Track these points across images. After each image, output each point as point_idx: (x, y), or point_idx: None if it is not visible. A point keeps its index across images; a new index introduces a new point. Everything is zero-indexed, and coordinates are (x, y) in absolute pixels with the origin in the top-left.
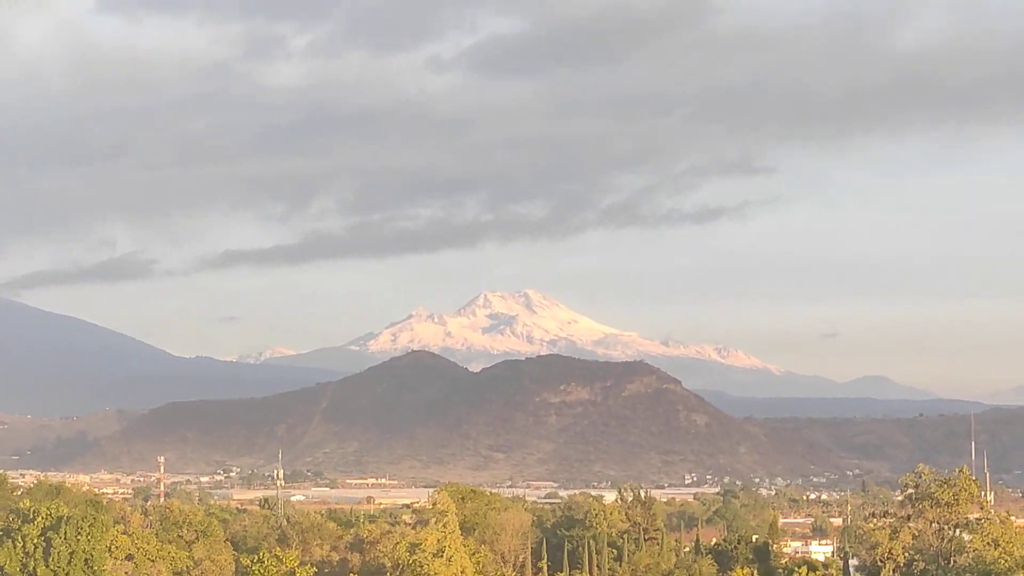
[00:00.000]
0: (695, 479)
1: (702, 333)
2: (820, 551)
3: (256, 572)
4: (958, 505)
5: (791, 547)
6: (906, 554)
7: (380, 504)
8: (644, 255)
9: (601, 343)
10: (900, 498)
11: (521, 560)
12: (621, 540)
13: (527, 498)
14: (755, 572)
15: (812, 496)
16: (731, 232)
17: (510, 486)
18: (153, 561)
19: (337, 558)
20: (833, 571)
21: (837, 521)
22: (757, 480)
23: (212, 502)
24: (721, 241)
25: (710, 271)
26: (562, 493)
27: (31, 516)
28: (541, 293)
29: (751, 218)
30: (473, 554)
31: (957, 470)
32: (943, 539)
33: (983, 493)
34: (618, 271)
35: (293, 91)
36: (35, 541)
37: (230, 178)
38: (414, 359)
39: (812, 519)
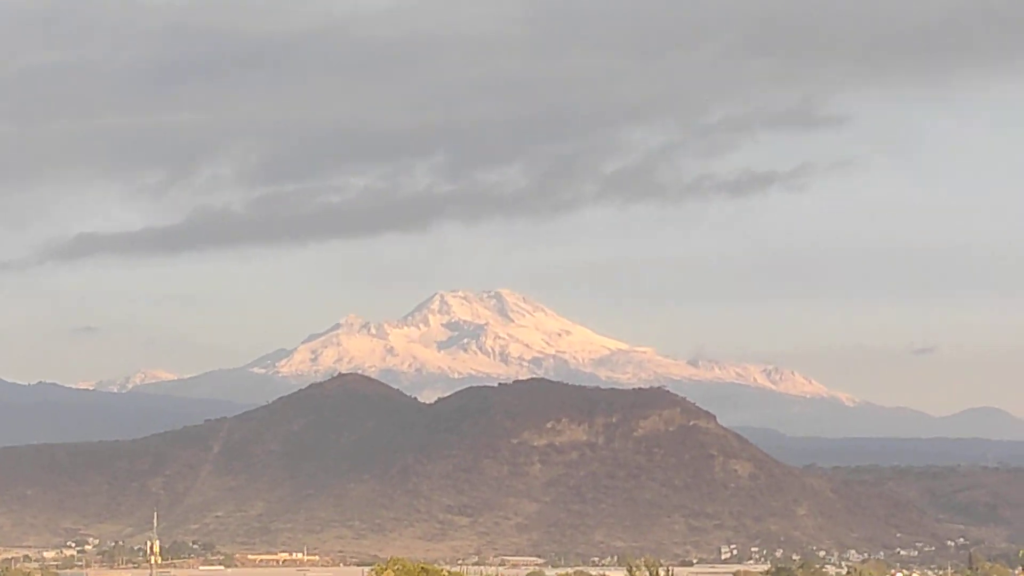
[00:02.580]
0: (735, 552)
1: (745, 349)
2: None
3: None
4: None
5: None
6: None
7: None
8: (663, 240)
9: (604, 363)
10: None
11: None
12: None
13: None
14: None
15: None
16: (784, 207)
17: (477, 563)
18: None
19: None
20: None
21: None
22: (822, 554)
23: None
24: (770, 220)
25: (755, 262)
26: (550, 573)
27: None
28: (520, 294)
29: (811, 188)
30: None
31: None
32: None
33: None
34: (627, 263)
35: (174, 13)
36: None
37: (85, 136)
38: (343, 386)
39: None
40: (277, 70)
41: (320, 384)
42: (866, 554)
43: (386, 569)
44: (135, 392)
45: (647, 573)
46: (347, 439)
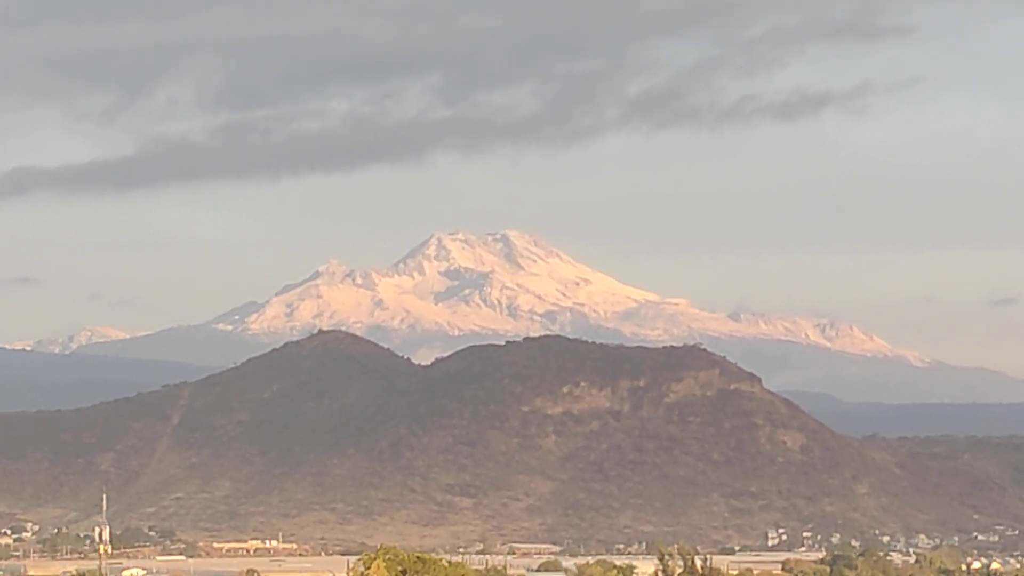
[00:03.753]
0: (784, 538)
1: (795, 300)
2: None
3: None
4: None
5: None
6: None
7: None
8: (698, 174)
9: (629, 316)
10: None
11: None
12: None
13: (511, 571)
14: None
15: (977, 564)
16: (841, 134)
17: (482, 551)
18: None
19: None
20: None
21: None
22: (886, 539)
23: None
24: (825, 148)
25: (807, 199)
26: (567, 562)
27: None
28: (530, 236)
29: (873, 110)
30: None
31: None
32: None
33: None
34: (656, 200)
35: None
36: None
37: (15, 53)
38: (323, 344)
39: None
40: None
41: (296, 343)
42: (938, 539)
43: (375, 559)
44: (80, 353)
45: (681, 562)
46: (328, 407)
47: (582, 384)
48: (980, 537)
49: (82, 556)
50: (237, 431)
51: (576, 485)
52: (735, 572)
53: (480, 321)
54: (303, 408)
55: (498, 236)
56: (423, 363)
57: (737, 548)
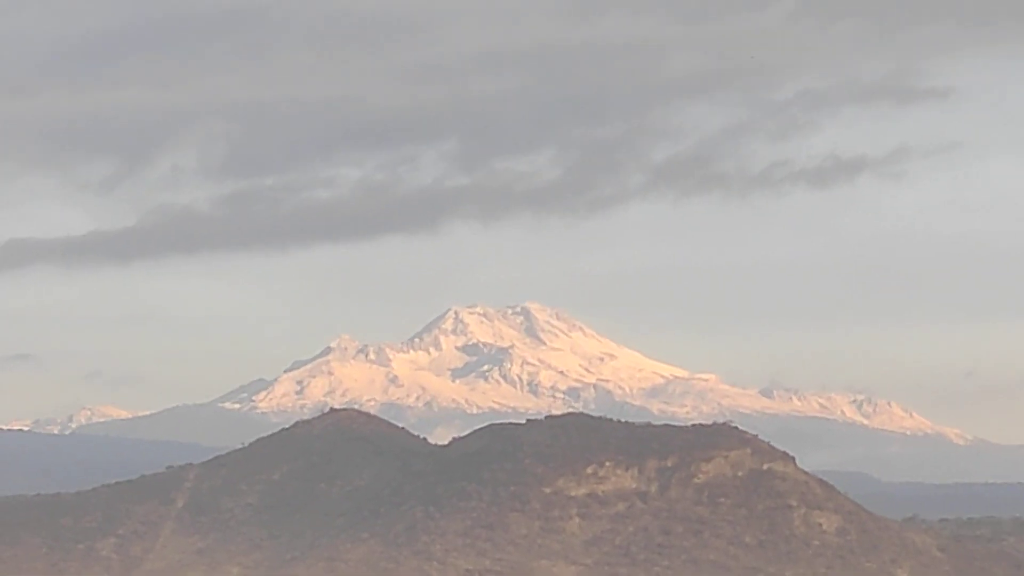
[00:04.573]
0: None
1: (830, 375)
2: None
3: None
4: None
5: None
6: None
7: None
8: (727, 242)
9: (656, 393)
10: None
11: None
12: None
13: None
14: None
15: None
16: (878, 200)
17: None
18: None
19: None
20: None
21: None
22: None
23: None
24: (860, 215)
25: (841, 268)
26: None
27: None
28: (552, 309)
29: (910, 176)
30: None
31: None
32: None
33: None
34: (683, 271)
35: None
36: None
37: (13, 120)
38: (335, 423)
39: None
40: (249, 38)
41: (307, 422)
42: None
43: None
44: (80, 433)
45: None
46: (341, 489)
47: (607, 464)
48: None
49: None
50: (245, 514)
51: (601, 570)
52: None
53: (499, 398)
54: (315, 490)
55: (518, 309)
56: (440, 443)
57: None
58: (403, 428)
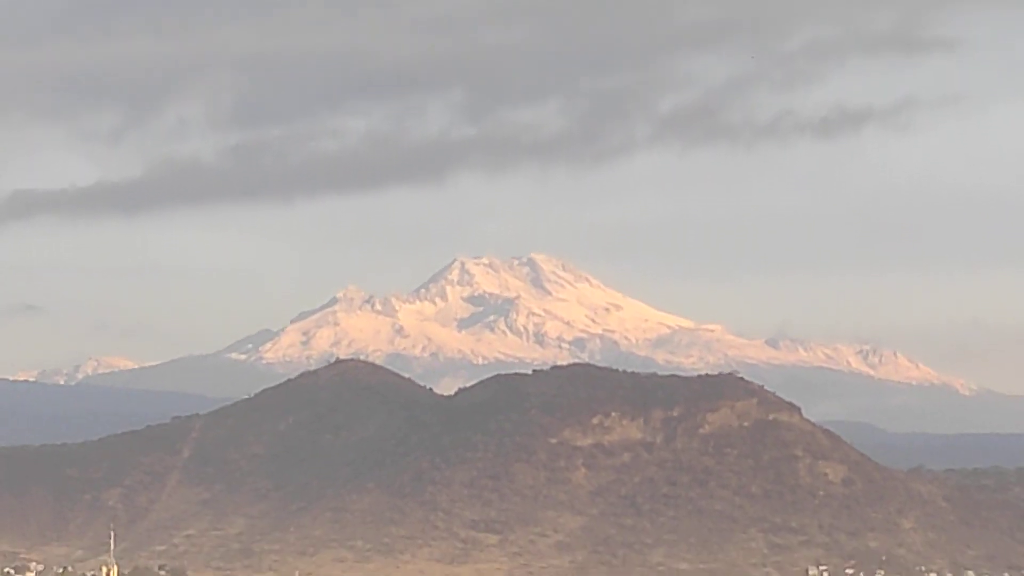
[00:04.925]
0: (826, 574)
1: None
2: None
3: None
4: None
5: None
6: None
7: None
8: (733, 193)
9: (662, 343)
10: None
11: None
12: None
13: None
14: None
15: None
16: (883, 151)
17: None
18: None
19: None
20: None
21: None
22: (933, 575)
23: None
24: (866, 166)
25: (846, 218)
26: None
27: None
28: (558, 260)
29: (916, 127)
30: None
31: None
32: None
33: None
34: (689, 222)
35: None
36: None
37: (20, 71)
38: (341, 374)
39: None
40: None
41: (313, 373)
42: (987, 575)
43: None
44: (86, 384)
45: None
46: (347, 440)
47: (613, 415)
48: None
49: None
50: (251, 465)
51: (607, 520)
52: None
53: (505, 349)
54: (320, 441)
55: (524, 260)
56: (446, 393)
57: None
58: (409, 379)
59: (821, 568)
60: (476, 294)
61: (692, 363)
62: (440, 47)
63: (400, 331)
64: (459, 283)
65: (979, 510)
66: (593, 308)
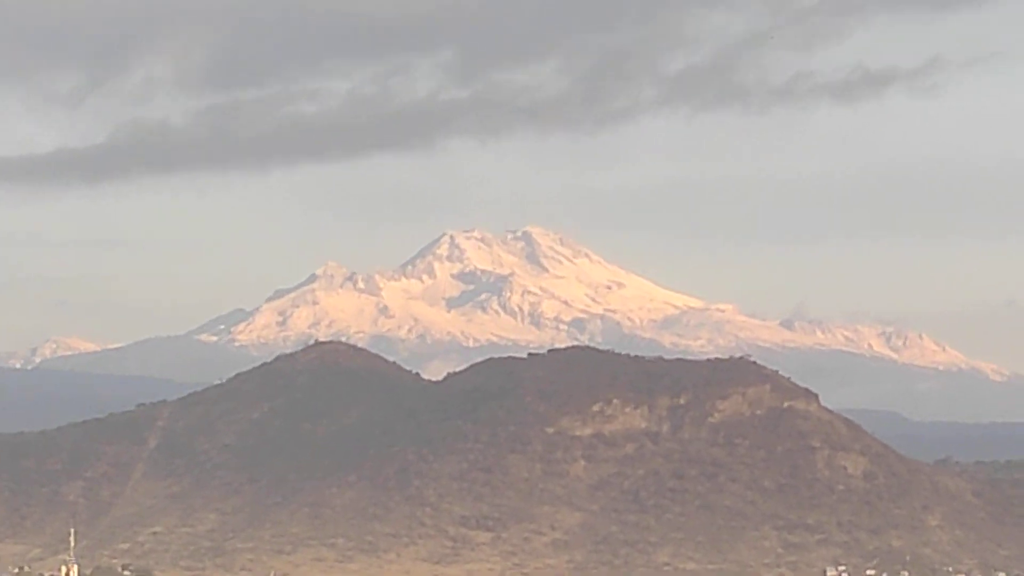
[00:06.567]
0: (846, 574)
1: (856, 305)
2: None
3: None
4: None
5: None
6: None
7: None
8: (745, 161)
9: (669, 325)
10: None
11: None
12: None
13: None
14: None
15: None
16: (909, 116)
17: None
18: None
19: None
20: None
21: None
22: (961, 575)
23: None
24: (890, 133)
25: (868, 188)
26: None
27: None
28: (555, 233)
29: (943, 90)
30: None
31: None
32: None
33: None
34: (698, 192)
35: None
36: None
37: None
38: (321, 357)
39: None
40: None
41: (290, 356)
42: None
43: None
44: (44, 368)
45: None
46: (327, 429)
47: (615, 402)
48: None
49: None
50: (223, 456)
51: (608, 517)
52: None
53: (498, 330)
54: (298, 430)
55: (519, 234)
56: (434, 378)
57: None
58: (394, 362)
59: (840, 569)
60: (467, 271)
61: (700, 346)
62: (428, 3)
63: (384, 311)
64: (448, 259)
65: (1011, 506)
66: (593, 286)
